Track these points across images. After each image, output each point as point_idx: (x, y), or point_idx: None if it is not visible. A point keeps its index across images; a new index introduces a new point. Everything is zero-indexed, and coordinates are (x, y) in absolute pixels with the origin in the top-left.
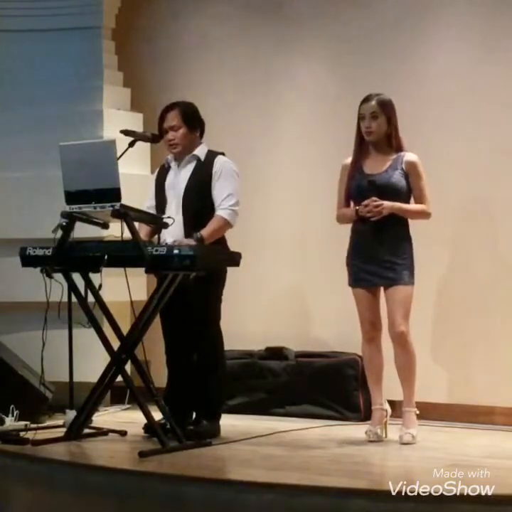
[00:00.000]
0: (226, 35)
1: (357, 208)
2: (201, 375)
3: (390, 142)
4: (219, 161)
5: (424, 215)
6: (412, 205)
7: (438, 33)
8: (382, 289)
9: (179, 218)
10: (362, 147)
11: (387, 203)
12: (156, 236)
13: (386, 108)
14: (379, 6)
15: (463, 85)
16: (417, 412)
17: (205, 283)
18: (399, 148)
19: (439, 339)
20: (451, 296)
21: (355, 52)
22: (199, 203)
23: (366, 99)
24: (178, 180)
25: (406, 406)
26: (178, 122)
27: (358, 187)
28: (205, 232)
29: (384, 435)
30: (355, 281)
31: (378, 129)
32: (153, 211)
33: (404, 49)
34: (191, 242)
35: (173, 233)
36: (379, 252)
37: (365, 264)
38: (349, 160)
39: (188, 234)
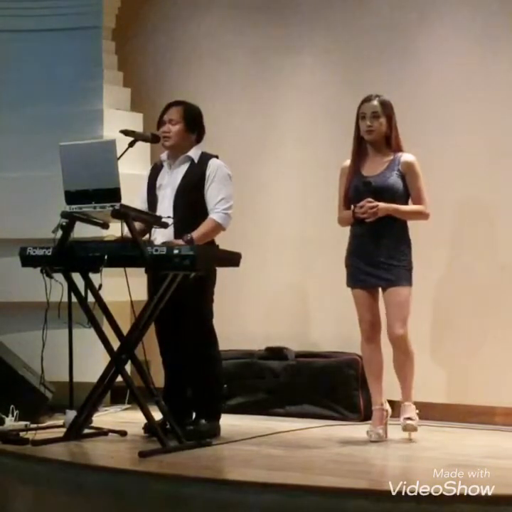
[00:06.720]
0: (226, 36)
1: (354, 209)
2: (197, 375)
3: (389, 143)
4: (212, 164)
5: (422, 215)
6: (409, 206)
7: (437, 33)
8: (380, 290)
9: None
10: (360, 148)
11: (382, 205)
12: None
13: (387, 108)
14: (378, 5)
15: (462, 84)
16: (417, 412)
17: (196, 283)
18: (397, 149)
19: (438, 339)
20: (451, 296)
21: (355, 53)
22: (190, 204)
23: (367, 99)
24: (170, 180)
25: (405, 400)
26: (178, 117)
27: (356, 189)
28: (195, 233)
29: (385, 435)
30: (353, 282)
31: (379, 128)
32: None
33: (404, 49)
34: (181, 243)
35: (164, 233)
36: (376, 253)
37: (363, 266)
38: (348, 162)
39: (178, 234)
